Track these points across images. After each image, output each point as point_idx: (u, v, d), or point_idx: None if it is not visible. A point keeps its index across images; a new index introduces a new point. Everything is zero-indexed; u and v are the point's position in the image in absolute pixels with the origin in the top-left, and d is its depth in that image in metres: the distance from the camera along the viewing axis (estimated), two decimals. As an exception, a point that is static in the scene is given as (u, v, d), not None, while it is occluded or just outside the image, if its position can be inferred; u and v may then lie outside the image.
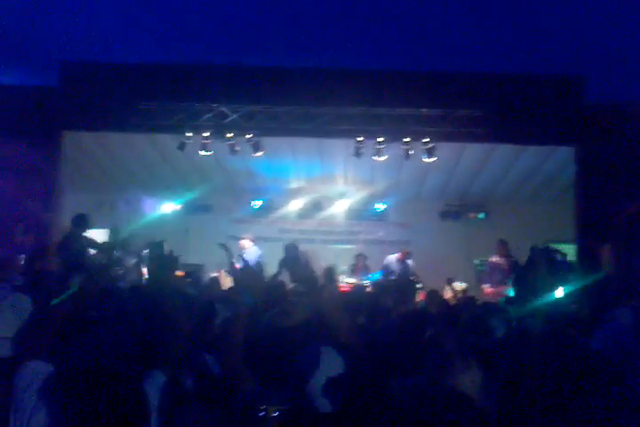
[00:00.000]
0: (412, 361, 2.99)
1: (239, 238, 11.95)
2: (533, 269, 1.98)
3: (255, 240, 12.18)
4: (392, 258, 11.93)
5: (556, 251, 2.14)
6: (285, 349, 2.86)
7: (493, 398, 2.25)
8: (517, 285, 2.06)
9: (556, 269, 1.97)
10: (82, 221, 8.57)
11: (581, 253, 11.16)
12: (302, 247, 10.62)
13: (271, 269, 10.58)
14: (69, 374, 2.10)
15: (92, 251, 8.63)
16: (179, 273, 11.22)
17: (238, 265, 11.41)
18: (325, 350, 2.72)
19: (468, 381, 2.32)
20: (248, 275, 3.76)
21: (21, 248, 10.31)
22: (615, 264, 10.29)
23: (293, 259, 9.87)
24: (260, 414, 2.02)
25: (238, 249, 11.80)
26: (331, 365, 2.65)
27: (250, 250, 11.78)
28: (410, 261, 11.93)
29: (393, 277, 10.75)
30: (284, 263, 10.35)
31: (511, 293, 9.99)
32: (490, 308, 5.65)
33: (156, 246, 2.66)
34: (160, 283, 2.50)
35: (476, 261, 13.33)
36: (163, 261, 2.60)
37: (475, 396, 2.21)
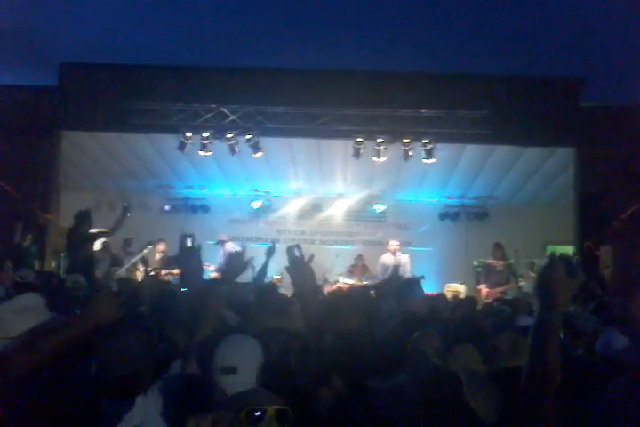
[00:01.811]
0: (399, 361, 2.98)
1: (221, 242, 12.11)
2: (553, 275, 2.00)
3: (233, 240, 12.34)
4: (385, 255, 11.91)
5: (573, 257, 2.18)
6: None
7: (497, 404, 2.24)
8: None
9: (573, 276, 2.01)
10: (85, 218, 8.60)
11: (580, 254, 11.17)
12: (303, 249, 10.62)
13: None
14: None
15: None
16: (176, 271, 11.25)
17: (212, 267, 11.59)
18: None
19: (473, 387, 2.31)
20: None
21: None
22: (614, 266, 10.31)
23: (297, 262, 9.84)
24: (258, 414, 2.00)
25: (222, 251, 11.94)
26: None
27: (228, 249, 11.81)
28: (404, 256, 11.84)
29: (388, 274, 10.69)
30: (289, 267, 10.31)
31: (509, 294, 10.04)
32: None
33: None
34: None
35: (475, 263, 13.33)
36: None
37: (477, 401, 2.21)
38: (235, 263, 3.29)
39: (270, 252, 5.41)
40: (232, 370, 2.43)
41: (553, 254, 2.10)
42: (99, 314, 2.32)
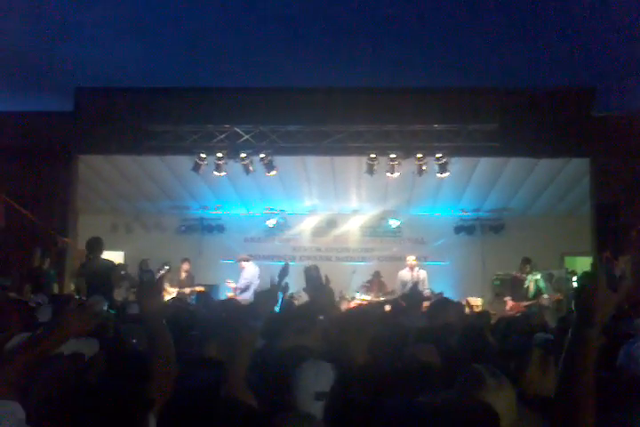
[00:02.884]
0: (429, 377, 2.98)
1: (238, 260, 12.09)
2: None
3: (252, 259, 12.30)
4: (403, 271, 11.94)
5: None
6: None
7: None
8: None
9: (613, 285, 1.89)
10: (97, 245, 8.66)
11: (598, 265, 11.06)
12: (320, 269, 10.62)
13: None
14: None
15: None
16: (198, 289, 11.34)
17: (233, 284, 11.61)
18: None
19: (501, 397, 2.30)
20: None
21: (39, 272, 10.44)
22: (632, 276, 10.20)
23: (315, 282, 9.85)
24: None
25: (240, 269, 11.93)
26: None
27: (248, 269, 11.83)
28: (422, 271, 11.86)
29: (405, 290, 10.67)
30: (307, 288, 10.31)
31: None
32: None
33: (146, 275, 2.72)
34: (145, 306, 2.53)
35: (493, 277, 13.27)
36: (148, 287, 2.63)
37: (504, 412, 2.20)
38: (266, 301, 3.35)
39: (283, 273, 5.32)
40: (324, 396, 2.53)
41: (593, 264, 1.96)
42: (69, 327, 2.34)
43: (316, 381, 2.63)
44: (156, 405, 2.30)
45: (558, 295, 11.10)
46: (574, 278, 11.45)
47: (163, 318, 2.56)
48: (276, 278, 3.74)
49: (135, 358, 3.04)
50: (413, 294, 7.87)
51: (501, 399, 2.28)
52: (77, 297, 8.46)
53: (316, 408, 2.53)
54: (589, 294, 1.82)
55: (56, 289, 10.60)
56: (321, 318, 4.14)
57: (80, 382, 2.48)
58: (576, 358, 1.81)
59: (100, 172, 12.50)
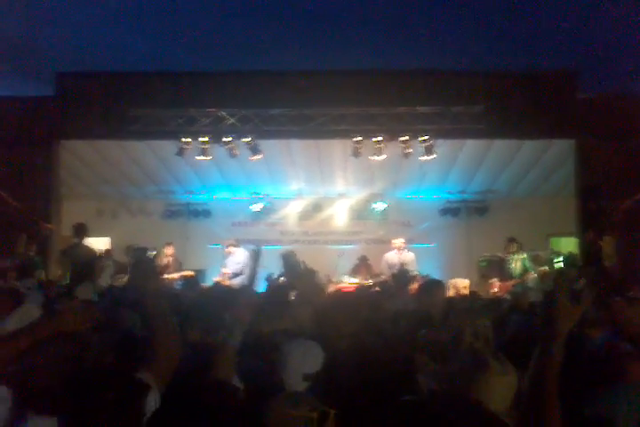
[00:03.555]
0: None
1: (227, 246, 11.91)
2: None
3: (239, 244, 12.12)
4: (390, 253, 11.91)
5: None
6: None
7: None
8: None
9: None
10: (81, 230, 8.63)
11: (582, 246, 11.19)
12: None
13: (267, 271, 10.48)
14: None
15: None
16: (188, 273, 11.29)
17: (225, 270, 11.53)
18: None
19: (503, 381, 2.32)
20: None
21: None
22: (616, 256, 10.31)
23: (292, 267, 9.82)
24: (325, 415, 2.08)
25: (225, 255, 11.82)
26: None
27: (237, 253, 11.71)
28: (409, 254, 11.86)
29: (394, 271, 10.69)
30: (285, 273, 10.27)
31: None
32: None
33: (140, 252, 2.69)
34: (143, 287, 2.50)
35: (479, 258, 13.34)
36: (145, 266, 2.61)
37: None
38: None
39: (255, 257, 5.25)
40: (312, 377, 2.58)
41: (557, 279, 2.04)
42: (65, 322, 2.33)
43: (303, 361, 2.64)
44: (159, 389, 2.29)
45: (545, 268, 11.16)
46: (560, 258, 11.55)
47: (162, 298, 2.53)
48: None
49: (133, 343, 3.04)
50: (401, 274, 7.92)
51: (504, 384, 2.30)
52: (63, 283, 8.44)
53: (301, 387, 2.54)
54: (549, 309, 1.92)
55: (42, 275, 10.55)
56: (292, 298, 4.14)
57: (78, 367, 2.46)
58: (539, 367, 1.89)
59: (83, 157, 12.38)
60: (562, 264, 11.13)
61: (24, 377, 2.31)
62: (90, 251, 8.59)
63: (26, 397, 2.23)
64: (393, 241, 12.08)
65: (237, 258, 11.56)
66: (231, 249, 11.83)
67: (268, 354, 2.88)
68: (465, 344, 2.85)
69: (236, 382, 2.61)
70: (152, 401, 2.22)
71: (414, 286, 6.96)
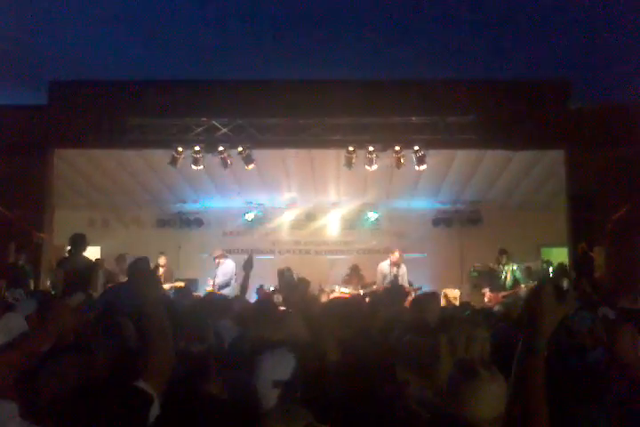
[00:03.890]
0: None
1: (216, 257, 11.79)
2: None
3: (228, 255, 12.01)
4: (384, 264, 11.79)
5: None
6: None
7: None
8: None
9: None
10: (80, 241, 8.58)
11: (573, 256, 11.23)
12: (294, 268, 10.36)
13: (260, 280, 10.34)
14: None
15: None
16: (179, 284, 11.25)
17: (211, 281, 11.48)
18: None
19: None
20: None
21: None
22: (606, 266, 10.35)
23: (288, 283, 9.68)
24: None
25: (215, 265, 11.73)
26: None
27: (227, 265, 11.62)
28: (402, 266, 11.73)
29: (387, 286, 10.69)
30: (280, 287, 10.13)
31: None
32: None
33: (141, 262, 2.67)
34: (144, 296, 2.48)
35: (471, 268, 13.37)
36: (146, 276, 2.60)
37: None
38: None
39: (247, 266, 5.25)
40: (282, 384, 2.56)
41: (542, 279, 2.04)
42: (57, 330, 2.32)
43: (273, 368, 2.66)
44: (157, 397, 2.28)
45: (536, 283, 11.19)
46: (550, 269, 11.60)
47: (162, 307, 2.52)
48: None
49: (131, 352, 3.02)
50: (395, 288, 7.92)
51: (493, 391, 2.30)
52: (54, 292, 8.39)
53: (272, 396, 2.55)
54: (533, 307, 1.91)
55: (32, 285, 10.49)
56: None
57: (83, 378, 2.45)
58: (522, 365, 1.88)
59: (76, 166, 12.36)
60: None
61: (34, 392, 2.29)
62: (88, 262, 8.54)
63: (33, 411, 2.21)
64: (390, 255, 11.70)
65: (225, 269, 11.49)
66: (219, 260, 11.72)
67: (247, 363, 2.89)
68: (444, 353, 2.85)
69: (222, 391, 2.63)
70: (154, 410, 2.20)
71: (409, 299, 6.98)
